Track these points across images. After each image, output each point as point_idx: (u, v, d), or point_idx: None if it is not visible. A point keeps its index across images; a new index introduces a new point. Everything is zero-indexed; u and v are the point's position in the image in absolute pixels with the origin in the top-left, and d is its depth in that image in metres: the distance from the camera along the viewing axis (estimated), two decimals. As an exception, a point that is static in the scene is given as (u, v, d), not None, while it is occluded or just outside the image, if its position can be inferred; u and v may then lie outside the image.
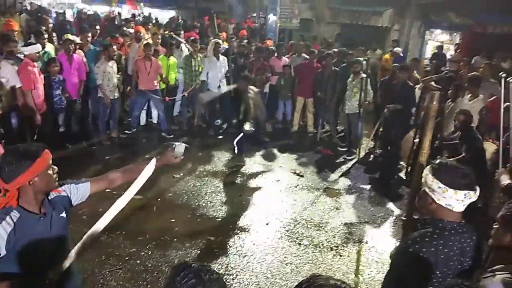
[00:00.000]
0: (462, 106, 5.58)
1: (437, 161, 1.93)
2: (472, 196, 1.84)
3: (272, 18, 14.44)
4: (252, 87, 6.44)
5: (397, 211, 5.60)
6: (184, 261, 1.44)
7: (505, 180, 2.84)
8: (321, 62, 8.08)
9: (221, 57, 8.11)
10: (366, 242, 4.77)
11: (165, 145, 2.68)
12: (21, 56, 6.24)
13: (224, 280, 1.43)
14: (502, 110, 4.30)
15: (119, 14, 18.49)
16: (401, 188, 6.33)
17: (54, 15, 16.67)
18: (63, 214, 2.28)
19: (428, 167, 1.93)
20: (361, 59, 7.77)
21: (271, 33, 13.23)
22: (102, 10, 19.49)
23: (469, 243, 1.86)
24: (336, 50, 8.99)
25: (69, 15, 16.58)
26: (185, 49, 8.49)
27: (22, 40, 7.84)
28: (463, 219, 1.92)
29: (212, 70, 7.95)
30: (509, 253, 1.85)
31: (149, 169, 2.64)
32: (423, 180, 1.94)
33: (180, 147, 2.66)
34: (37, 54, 5.83)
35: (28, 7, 16.53)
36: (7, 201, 1.93)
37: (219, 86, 8.04)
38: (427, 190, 1.91)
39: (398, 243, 2.56)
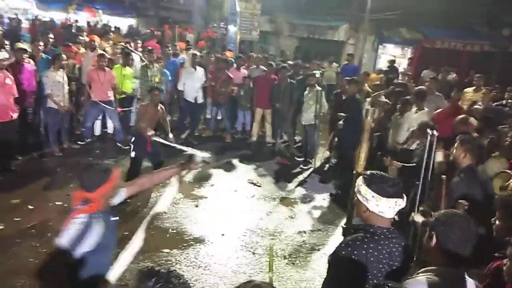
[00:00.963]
0: (409, 119, 5.90)
1: (368, 172, 2.07)
2: (401, 203, 2.00)
3: (232, 29, 14.61)
4: None
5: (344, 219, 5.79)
6: (151, 266, 1.46)
7: (418, 219, 3.08)
8: (277, 74, 8.27)
9: (198, 68, 8.27)
10: (318, 250, 4.91)
11: (188, 154, 2.87)
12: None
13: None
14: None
15: (76, 21, 18.06)
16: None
17: (6, 20, 16.10)
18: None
19: (360, 177, 2.07)
20: (316, 72, 8.04)
21: (232, 44, 13.38)
22: (58, 17, 18.95)
23: (398, 248, 2.01)
24: (291, 62, 9.23)
25: (24, 22, 16.02)
26: (137, 58, 8.44)
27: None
28: (392, 226, 2.07)
29: (189, 80, 8.10)
30: (432, 257, 2.01)
31: (174, 172, 2.99)
32: (356, 189, 2.07)
33: (199, 157, 3.01)
34: (2, 62, 5.62)
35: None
36: (95, 207, 2.41)
37: (196, 97, 8.19)
38: (360, 199, 2.04)
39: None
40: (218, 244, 4.84)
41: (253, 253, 4.73)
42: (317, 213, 5.91)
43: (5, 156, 6.02)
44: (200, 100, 8.39)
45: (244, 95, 8.51)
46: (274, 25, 15.18)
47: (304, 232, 5.32)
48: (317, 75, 7.79)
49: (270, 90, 8.09)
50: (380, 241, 1.99)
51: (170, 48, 10.11)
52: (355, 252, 1.96)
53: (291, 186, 6.80)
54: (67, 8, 19.32)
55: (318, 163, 7.67)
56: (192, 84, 8.14)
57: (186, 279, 1.45)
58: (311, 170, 7.49)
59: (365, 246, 1.97)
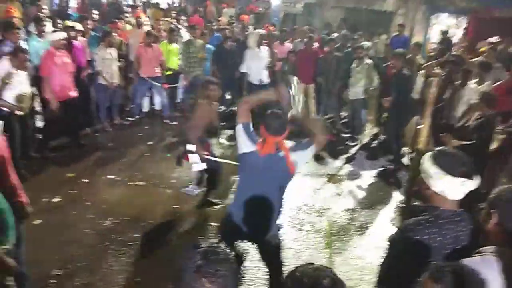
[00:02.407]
0: (469, 91, 5.50)
1: (438, 147, 1.92)
2: (470, 184, 1.83)
3: (275, 2, 14.29)
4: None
5: (398, 197, 5.60)
6: (198, 243, 1.48)
7: None
8: (323, 47, 7.99)
9: (263, 47, 7.82)
10: (367, 228, 4.79)
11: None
12: (23, 43, 6.26)
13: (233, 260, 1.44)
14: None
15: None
16: (404, 174, 6.31)
17: (56, 1, 16.59)
18: None
19: (428, 153, 1.92)
20: (366, 43, 7.69)
21: (275, 18, 13.10)
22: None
23: (465, 232, 1.87)
24: (336, 34, 8.87)
25: (72, 1, 16.44)
26: (185, 34, 8.41)
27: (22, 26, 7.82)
28: (461, 207, 1.92)
29: (254, 61, 7.70)
30: (492, 237, 1.85)
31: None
32: (421, 165, 1.94)
33: None
34: (62, 41, 5.77)
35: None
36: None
37: (261, 79, 7.80)
38: (423, 176, 1.91)
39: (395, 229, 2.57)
40: (265, 220, 4.83)
41: (300, 230, 4.69)
42: (365, 191, 5.76)
43: (74, 132, 6.32)
44: (265, 81, 7.95)
45: (288, 70, 8.31)
46: (318, -4, 14.70)
47: (352, 210, 5.20)
48: (367, 47, 7.42)
49: (313, 64, 7.82)
50: (445, 225, 1.85)
51: (213, 24, 10.03)
52: (417, 237, 1.84)
53: (337, 163, 6.65)
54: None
55: (365, 140, 7.44)
56: (258, 65, 7.73)
57: (230, 255, 1.46)
58: (358, 146, 7.29)
59: (428, 230, 1.85)
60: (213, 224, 4.64)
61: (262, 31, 8.26)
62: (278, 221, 3.04)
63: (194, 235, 4.41)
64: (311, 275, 1.33)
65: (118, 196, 5.13)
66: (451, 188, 1.82)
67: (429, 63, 6.91)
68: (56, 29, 6.48)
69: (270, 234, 2.97)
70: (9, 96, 4.94)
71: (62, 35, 5.85)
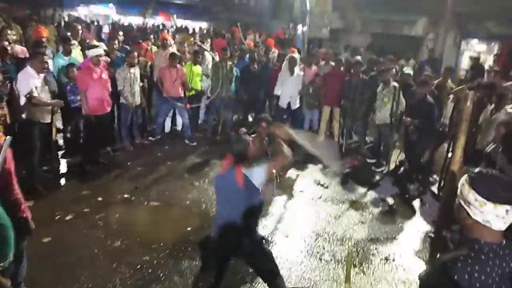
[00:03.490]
0: (507, 115, 5.15)
1: (476, 169, 1.65)
2: None
3: (300, 28, 14.26)
4: None
5: (427, 228, 5.22)
6: None
7: None
8: (349, 70, 7.80)
9: (296, 72, 7.78)
10: (393, 260, 4.43)
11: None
12: (49, 61, 6.39)
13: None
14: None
15: (153, 25, 18.91)
16: (433, 203, 5.93)
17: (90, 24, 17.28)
18: None
19: (465, 176, 1.64)
20: (408, 68, 7.46)
21: (300, 43, 13.04)
22: (136, 21, 20.02)
23: None
24: (358, 58, 8.66)
25: (105, 27, 17.07)
26: (209, 57, 8.44)
27: (54, 47, 8.04)
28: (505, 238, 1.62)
29: (284, 86, 7.69)
30: None
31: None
32: (458, 191, 1.66)
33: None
34: (98, 58, 5.94)
35: (66, 18, 17.12)
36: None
37: (289, 103, 7.79)
38: (462, 202, 1.63)
39: (427, 264, 2.26)
40: (282, 247, 4.56)
41: (320, 259, 4.38)
42: (391, 220, 5.40)
43: (97, 148, 6.34)
44: (295, 106, 7.87)
45: (312, 92, 8.13)
46: (345, 21, 14.60)
47: (377, 239, 4.85)
48: (393, 71, 7.15)
49: (339, 87, 7.64)
50: (489, 261, 1.54)
51: (243, 47, 10.04)
52: (456, 276, 1.54)
53: (361, 189, 6.32)
54: (144, 12, 20.31)
55: (392, 166, 7.09)
56: (287, 89, 7.71)
57: None
58: (384, 172, 6.94)
59: (469, 268, 1.54)
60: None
61: (296, 55, 8.20)
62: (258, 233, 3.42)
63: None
64: None
65: (130, 216, 4.99)
66: (494, 217, 1.54)
67: (460, 86, 6.59)
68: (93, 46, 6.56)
69: (253, 246, 3.26)
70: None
71: (100, 51, 5.96)
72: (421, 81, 6.38)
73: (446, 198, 2.16)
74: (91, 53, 5.91)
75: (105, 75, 6.06)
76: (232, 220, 3.14)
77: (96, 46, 6.16)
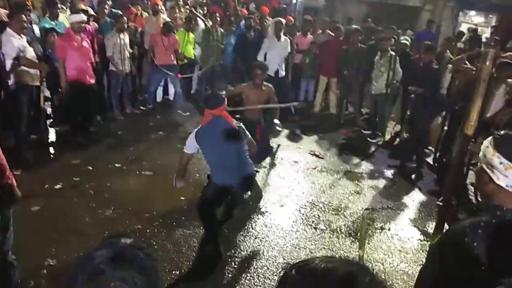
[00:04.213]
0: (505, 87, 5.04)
1: (502, 131, 1.52)
2: None
3: (296, -2, 13.87)
4: None
5: (422, 198, 5.21)
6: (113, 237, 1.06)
7: None
8: (347, 39, 7.59)
9: (283, 37, 7.27)
10: (389, 229, 4.40)
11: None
12: (35, 26, 6.10)
13: (152, 265, 1.02)
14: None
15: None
16: (428, 174, 5.90)
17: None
18: None
19: (490, 138, 1.52)
20: (405, 37, 7.26)
21: (296, 12, 12.71)
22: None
23: None
24: (356, 27, 8.43)
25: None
26: (201, 24, 8.15)
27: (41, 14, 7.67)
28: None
29: (271, 51, 7.20)
30: None
31: None
32: (481, 154, 1.53)
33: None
34: (79, 24, 5.55)
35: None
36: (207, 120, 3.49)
37: (277, 70, 7.26)
38: (484, 166, 1.51)
39: (435, 233, 2.18)
40: (277, 216, 4.50)
41: (315, 228, 4.33)
42: (386, 190, 5.36)
43: (87, 118, 6.07)
44: (282, 74, 7.39)
45: (309, 63, 7.94)
46: (342, -10, 14.22)
47: (372, 209, 4.82)
48: (392, 40, 6.94)
49: (337, 57, 7.45)
50: None
51: (238, 13, 9.72)
52: (475, 244, 1.40)
53: (356, 159, 6.26)
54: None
55: (387, 137, 7.01)
56: (275, 55, 7.21)
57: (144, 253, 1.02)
58: (379, 143, 6.87)
59: (489, 236, 1.41)
60: (218, 217, 4.31)
61: (282, 19, 7.88)
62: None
63: (200, 228, 4.09)
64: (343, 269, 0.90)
65: (122, 185, 4.87)
66: None
67: (459, 56, 6.44)
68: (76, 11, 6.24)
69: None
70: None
71: (82, 17, 5.62)
72: (427, 47, 6.19)
73: (456, 165, 2.06)
74: (72, 18, 5.56)
75: (85, 44, 5.69)
76: (230, 159, 3.48)
77: (79, 12, 5.84)
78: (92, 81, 5.85)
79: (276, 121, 5.02)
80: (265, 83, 4.86)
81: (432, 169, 6.03)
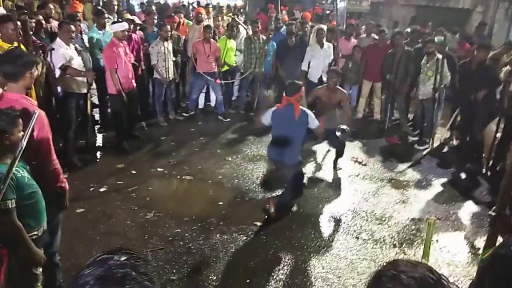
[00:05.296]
0: None
1: None
2: None
3: (340, 3, 13.67)
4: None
5: (475, 209, 4.87)
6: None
7: None
8: (391, 42, 7.33)
9: (326, 44, 7.30)
10: (437, 241, 4.14)
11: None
12: (85, 37, 6.39)
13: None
14: None
15: (188, 3, 18.79)
16: (481, 183, 5.53)
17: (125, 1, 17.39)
18: None
19: None
20: (438, 38, 6.86)
21: (339, 17, 12.51)
22: (172, 0, 19.99)
23: None
24: (406, 30, 8.14)
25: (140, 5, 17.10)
26: (243, 31, 8.20)
27: (91, 25, 8.05)
28: None
29: (314, 59, 7.24)
30: None
31: None
32: None
33: None
34: (123, 33, 5.69)
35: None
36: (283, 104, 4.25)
37: (321, 77, 7.22)
38: None
39: (487, 246, 2.01)
40: (317, 224, 4.38)
41: (357, 237, 4.16)
42: (434, 200, 5.07)
43: (131, 123, 6.22)
44: (325, 80, 7.03)
45: (352, 67, 7.74)
46: (387, -6, 13.87)
47: (419, 219, 4.56)
48: (439, 42, 6.59)
49: (382, 61, 7.21)
50: None
51: (279, 22, 9.73)
52: None
53: (402, 167, 5.98)
54: (180, -9, 20.21)
55: (436, 144, 6.67)
56: (318, 63, 7.22)
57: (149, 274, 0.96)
58: (427, 151, 6.54)
59: None
60: (257, 224, 4.26)
61: (324, 26, 7.77)
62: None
63: (238, 233, 4.06)
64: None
65: (163, 189, 4.95)
66: None
67: (514, 56, 6.04)
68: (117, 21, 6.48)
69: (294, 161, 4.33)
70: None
71: (124, 26, 5.77)
72: (480, 45, 5.89)
73: (510, 175, 1.88)
74: (115, 27, 5.67)
75: (128, 50, 5.83)
76: (284, 140, 4.20)
77: (120, 22, 6.01)
78: (134, 85, 5.97)
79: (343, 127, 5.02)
80: (339, 87, 5.56)
81: (485, 178, 5.65)
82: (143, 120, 6.88)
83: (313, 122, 4.26)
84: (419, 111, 6.89)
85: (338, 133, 4.97)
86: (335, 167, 5.77)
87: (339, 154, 5.76)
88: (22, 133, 2.32)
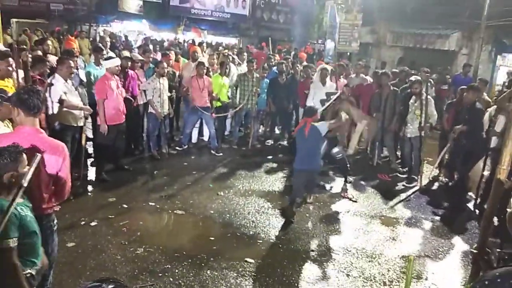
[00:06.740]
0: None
1: None
2: None
3: (330, 43, 14.20)
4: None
5: (463, 246, 4.93)
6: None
7: None
8: (378, 82, 7.61)
9: (328, 82, 7.74)
10: (426, 279, 4.17)
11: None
12: (81, 71, 6.55)
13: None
14: None
15: (184, 40, 19.33)
16: (469, 220, 5.62)
17: (123, 38, 17.85)
18: None
19: None
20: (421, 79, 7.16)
21: (329, 57, 12.96)
22: (169, 37, 20.53)
23: None
24: (395, 70, 8.47)
25: (139, 42, 17.55)
26: (234, 69, 8.49)
27: (88, 60, 8.27)
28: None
29: (317, 96, 7.48)
30: None
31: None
32: None
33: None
34: (117, 67, 5.93)
35: (102, 33, 17.70)
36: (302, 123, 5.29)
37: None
38: None
39: (469, 281, 2.06)
40: (309, 261, 4.38)
41: (347, 275, 4.17)
42: (424, 237, 5.12)
43: (118, 156, 6.33)
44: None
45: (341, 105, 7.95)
46: (375, 35, 14.40)
47: (408, 257, 4.58)
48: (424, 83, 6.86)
49: (369, 99, 7.46)
50: None
51: (272, 60, 10.06)
52: None
53: (391, 204, 6.07)
54: (176, 29, 20.78)
55: (424, 181, 6.79)
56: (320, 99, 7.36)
57: None
58: (416, 188, 6.65)
59: None
60: (248, 260, 4.26)
61: (328, 66, 8.12)
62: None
63: (228, 270, 4.05)
64: None
65: (155, 223, 4.95)
66: None
67: (503, 95, 6.27)
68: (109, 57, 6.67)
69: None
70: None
71: (117, 61, 6.01)
72: (471, 87, 6.15)
73: (490, 210, 1.96)
74: (110, 63, 5.89)
75: (120, 84, 6.04)
76: (306, 152, 5.19)
77: (112, 57, 6.22)
78: (124, 118, 6.09)
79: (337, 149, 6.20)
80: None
81: (472, 216, 5.74)
82: (136, 153, 6.94)
83: (323, 128, 5.14)
84: (408, 149, 7.05)
85: (334, 152, 5.90)
86: (346, 182, 6.32)
87: (345, 170, 6.26)
88: (27, 168, 2.29)
